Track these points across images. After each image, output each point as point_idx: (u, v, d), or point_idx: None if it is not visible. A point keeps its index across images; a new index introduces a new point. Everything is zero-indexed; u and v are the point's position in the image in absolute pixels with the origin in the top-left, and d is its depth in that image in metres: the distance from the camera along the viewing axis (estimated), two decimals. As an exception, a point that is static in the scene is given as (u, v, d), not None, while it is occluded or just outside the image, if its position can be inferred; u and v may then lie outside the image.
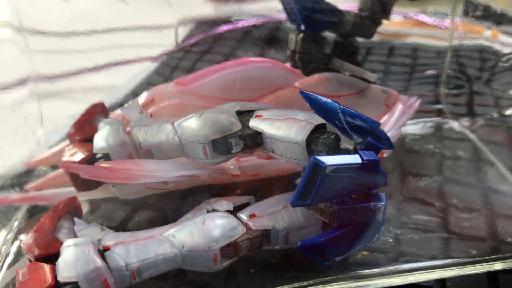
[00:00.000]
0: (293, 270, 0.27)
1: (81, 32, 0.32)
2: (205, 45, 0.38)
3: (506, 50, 0.37)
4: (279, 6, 0.32)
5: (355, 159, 0.22)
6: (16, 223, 0.31)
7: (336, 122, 0.22)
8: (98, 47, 0.33)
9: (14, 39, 0.31)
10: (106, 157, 0.28)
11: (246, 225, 0.25)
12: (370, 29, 0.33)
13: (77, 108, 0.33)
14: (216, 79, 0.32)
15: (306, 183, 0.21)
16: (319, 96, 0.23)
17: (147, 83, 0.38)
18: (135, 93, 0.36)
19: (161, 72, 0.38)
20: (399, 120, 0.35)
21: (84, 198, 0.31)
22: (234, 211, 0.26)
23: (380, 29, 0.33)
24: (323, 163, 0.21)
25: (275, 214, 0.26)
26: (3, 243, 0.30)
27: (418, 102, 0.37)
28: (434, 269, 0.27)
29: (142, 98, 0.33)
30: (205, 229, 0.24)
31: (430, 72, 0.40)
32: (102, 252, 0.24)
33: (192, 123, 0.26)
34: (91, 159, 0.28)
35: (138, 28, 0.34)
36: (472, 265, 0.28)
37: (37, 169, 0.32)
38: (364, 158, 0.22)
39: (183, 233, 0.25)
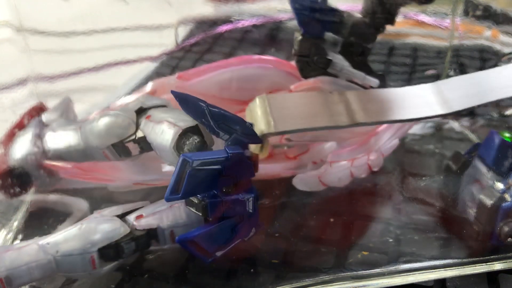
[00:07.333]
0: (293, 270, 0.27)
1: (81, 32, 0.32)
2: (205, 45, 0.38)
3: (506, 50, 0.37)
4: (279, 6, 0.32)
5: (221, 153, 0.23)
6: (16, 223, 0.31)
7: (203, 120, 0.24)
8: (98, 47, 0.33)
9: (14, 39, 0.31)
10: (22, 168, 0.28)
11: (132, 226, 0.25)
12: (371, 34, 0.32)
13: (77, 108, 0.33)
14: (213, 77, 0.32)
15: (177, 178, 0.22)
16: (189, 96, 0.24)
17: (147, 83, 0.38)
18: (135, 93, 0.36)
19: (161, 72, 0.38)
20: (400, 129, 0.34)
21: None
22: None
23: (380, 29, 0.33)
24: (190, 157, 0.22)
25: (160, 214, 0.26)
26: (3, 243, 0.30)
27: None
28: (434, 269, 0.27)
29: (149, 86, 0.33)
30: (82, 233, 0.24)
31: (430, 72, 0.40)
32: None
33: (92, 128, 0.27)
34: (10, 171, 0.28)
35: (138, 28, 0.34)
36: (472, 265, 0.28)
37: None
38: (229, 152, 0.23)
39: (58, 239, 0.24)
